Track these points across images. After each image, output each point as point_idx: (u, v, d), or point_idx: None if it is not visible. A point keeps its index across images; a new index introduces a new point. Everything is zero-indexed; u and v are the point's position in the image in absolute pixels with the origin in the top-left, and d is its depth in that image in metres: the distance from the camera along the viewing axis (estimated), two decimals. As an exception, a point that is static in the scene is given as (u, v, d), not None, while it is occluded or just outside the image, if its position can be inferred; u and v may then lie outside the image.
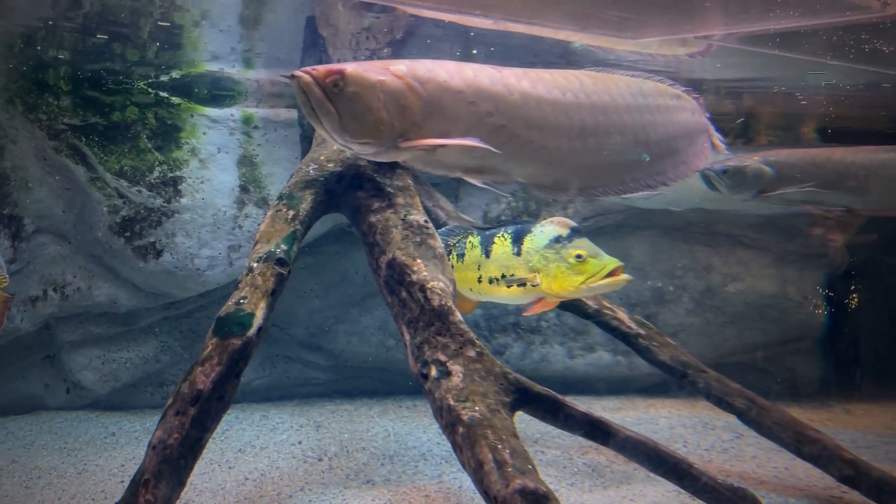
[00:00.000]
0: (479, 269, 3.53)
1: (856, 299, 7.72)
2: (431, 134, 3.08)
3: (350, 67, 3.08)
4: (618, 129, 3.34)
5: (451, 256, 3.60)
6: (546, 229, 3.40)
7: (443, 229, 3.75)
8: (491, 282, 3.51)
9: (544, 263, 3.34)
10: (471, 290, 3.60)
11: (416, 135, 3.09)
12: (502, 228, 3.55)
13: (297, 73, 3.05)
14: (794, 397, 7.05)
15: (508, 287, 3.47)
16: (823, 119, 7.17)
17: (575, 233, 3.38)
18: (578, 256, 3.28)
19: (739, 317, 7.06)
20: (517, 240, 3.44)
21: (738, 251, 7.15)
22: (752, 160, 5.14)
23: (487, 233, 3.56)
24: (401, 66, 3.12)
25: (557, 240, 3.35)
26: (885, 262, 7.73)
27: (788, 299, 7.12)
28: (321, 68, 3.06)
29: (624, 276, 3.33)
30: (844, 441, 4.76)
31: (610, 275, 3.30)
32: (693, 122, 3.60)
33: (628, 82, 3.45)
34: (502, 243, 3.49)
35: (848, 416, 6.85)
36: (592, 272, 3.29)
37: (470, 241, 3.58)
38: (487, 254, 3.52)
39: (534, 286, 3.38)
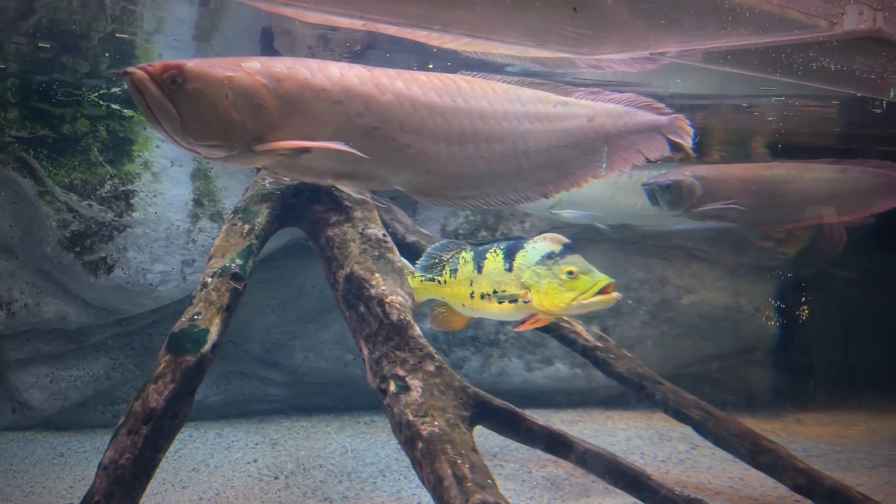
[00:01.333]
0: (471, 284, 3.50)
1: (807, 311, 7.88)
2: (293, 137, 2.89)
3: (192, 63, 2.85)
4: (497, 136, 3.22)
5: (444, 272, 3.57)
6: (538, 245, 3.36)
7: (437, 244, 3.71)
8: (483, 297, 3.47)
9: (536, 280, 3.31)
10: (463, 305, 3.57)
11: (274, 137, 2.88)
12: (495, 244, 3.51)
13: (131, 69, 2.78)
14: (748, 407, 7.16)
15: (500, 303, 3.43)
16: (774, 134, 7.34)
17: (567, 249, 3.33)
18: (570, 273, 3.25)
19: (694, 329, 7.16)
20: (509, 256, 3.40)
21: (692, 264, 7.26)
22: (685, 175, 5.08)
23: (480, 248, 3.52)
24: (254, 63, 2.92)
25: (549, 256, 3.31)
26: (836, 274, 7.91)
27: (741, 311, 7.24)
28: (158, 63, 2.80)
29: (615, 294, 3.30)
30: (797, 450, 4.85)
31: (602, 292, 3.27)
32: (583, 131, 3.41)
33: (506, 88, 3.32)
34: (494, 259, 3.45)
35: (799, 425, 6.98)
36: (583, 289, 3.25)
37: (463, 257, 3.55)
38: (479, 269, 3.48)
39: (525, 302, 3.35)
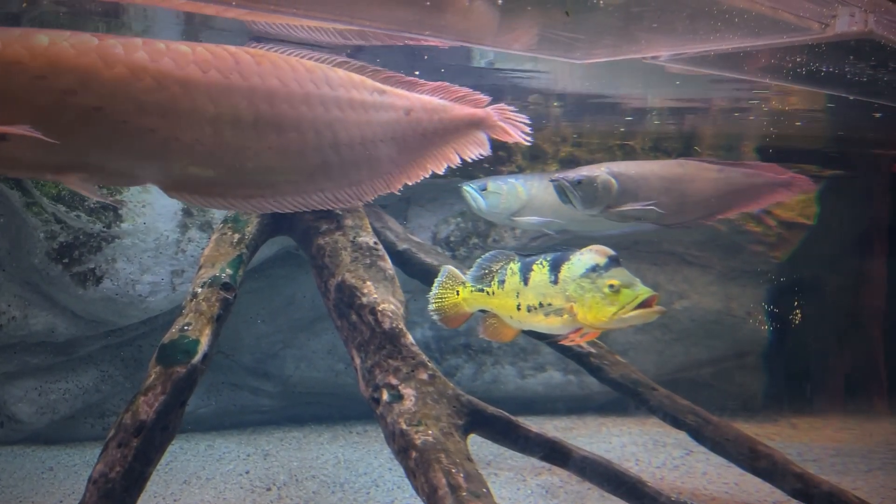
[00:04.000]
0: (517, 296, 3.44)
1: (800, 315, 7.89)
2: None
3: None
4: (292, 123, 2.70)
5: (492, 282, 3.51)
6: (584, 257, 3.27)
7: (487, 255, 3.62)
8: (529, 310, 3.40)
9: (580, 293, 3.23)
10: (511, 317, 3.51)
11: None
12: (542, 255, 3.44)
13: None
14: (743, 412, 7.16)
15: (546, 316, 3.37)
16: (764, 139, 7.36)
17: (613, 262, 3.23)
18: (612, 286, 3.17)
19: (686, 334, 7.15)
20: (555, 268, 3.32)
21: (684, 269, 7.26)
22: (601, 171, 4.68)
23: (527, 259, 3.45)
24: None
25: (594, 268, 3.22)
26: (828, 279, 7.93)
27: (733, 315, 7.24)
28: None
29: (658, 308, 3.18)
30: (792, 454, 4.83)
31: (645, 305, 3.15)
32: (401, 126, 2.98)
33: (311, 67, 2.81)
34: (540, 271, 3.37)
35: (794, 429, 6.98)
36: (625, 302, 3.15)
37: (510, 268, 3.48)
38: (526, 281, 3.41)
39: (570, 316, 3.28)
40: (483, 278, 3.54)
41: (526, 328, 3.58)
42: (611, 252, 3.27)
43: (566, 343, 3.54)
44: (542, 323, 3.38)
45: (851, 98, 5.14)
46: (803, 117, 6.45)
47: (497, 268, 3.51)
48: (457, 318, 3.64)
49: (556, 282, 3.29)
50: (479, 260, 3.60)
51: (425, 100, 3.06)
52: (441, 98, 3.10)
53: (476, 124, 3.15)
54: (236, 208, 2.86)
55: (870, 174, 8.07)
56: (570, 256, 3.29)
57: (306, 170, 2.81)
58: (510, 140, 3.18)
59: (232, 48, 2.70)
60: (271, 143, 2.69)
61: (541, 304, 3.32)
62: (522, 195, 4.96)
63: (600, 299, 3.16)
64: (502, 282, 3.45)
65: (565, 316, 3.26)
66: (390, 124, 2.95)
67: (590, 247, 3.31)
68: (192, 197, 2.72)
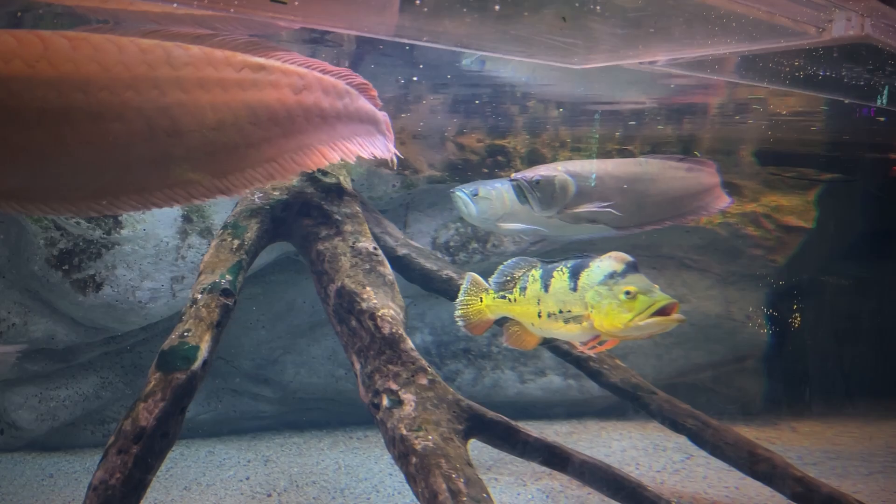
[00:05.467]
0: (538, 303, 3.40)
1: (799, 318, 7.89)
2: None
3: None
4: (115, 112, 2.33)
5: (514, 289, 3.49)
6: (603, 264, 3.21)
7: (509, 261, 3.59)
8: (549, 317, 3.37)
9: (597, 300, 3.19)
10: (532, 324, 3.48)
11: None
12: (562, 262, 3.41)
13: None
14: (743, 416, 7.16)
15: (566, 323, 3.33)
16: (762, 143, 7.37)
17: (631, 268, 3.18)
18: (628, 293, 3.12)
19: (686, 338, 7.15)
20: (574, 274, 3.27)
21: (683, 273, 7.26)
22: (558, 170, 4.52)
23: (549, 266, 3.42)
24: None
25: (612, 275, 3.17)
26: (828, 282, 7.93)
27: (732, 319, 7.24)
28: None
29: (676, 316, 3.08)
30: (792, 458, 4.83)
31: (664, 313, 3.07)
32: (285, 106, 2.61)
33: (147, 47, 2.44)
34: (560, 278, 3.34)
35: (794, 433, 6.97)
36: (640, 309, 3.07)
37: (532, 275, 3.45)
38: (546, 288, 3.38)
39: (589, 324, 3.23)
40: (505, 285, 3.52)
41: (547, 335, 3.54)
42: (629, 258, 3.21)
43: (586, 351, 3.51)
44: (561, 330, 3.34)
45: (846, 102, 5.16)
46: (801, 120, 6.47)
47: (519, 274, 3.48)
48: (480, 325, 3.62)
49: (575, 289, 3.25)
50: (501, 266, 3.58)
51: (327, 81, 2.72)
52: (346, 84, 2.77)
53: (376, 123, 2.91)
54: (62, 213, 2.56)
55: (868, 178, 8.09)
56: (590, 263, 3.24)
57: (143, 166, 2.44)
58: (380, 155, 2.90)
59: (47, 33, 2.37)
60: (88, 138, 2.34)
61: (560, 312, 3.28)
62: (507, 201, 4.91)
63: (616, 306, 3.11)
64: (524, 289, 3.42)
65: (584, 323, 3.22)
66: (268, 105, 2.57)
67: (609, 253, 3.25)
68: (8, 204, 2.39)
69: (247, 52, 2.61)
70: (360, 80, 2.85)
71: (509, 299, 3.49)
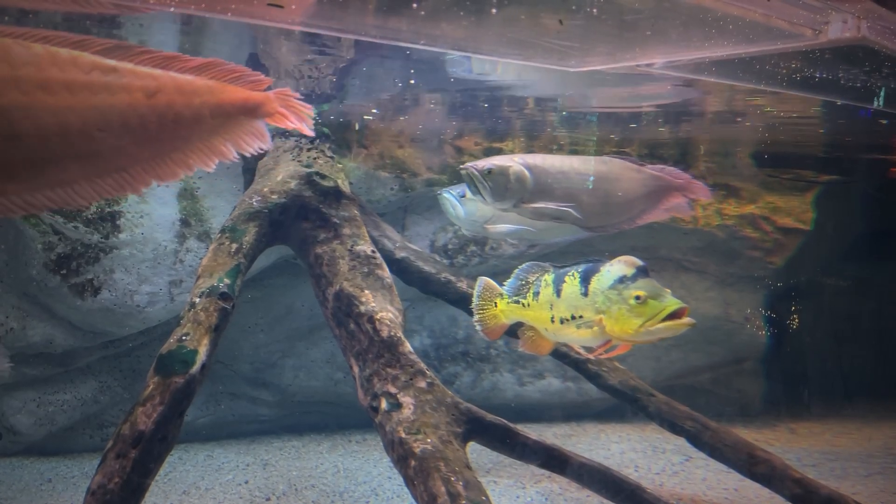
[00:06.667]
0: (551, 308, 3.39)
1: (798, 320, 7.90)
2: None
3: None
4: None
5: (527, 294, 3.49)
6: (613, 269, 3.20)
7: (523, 266, 3.58)
8: (562, 322, 3.36)
9: (608, 305, 3.19)
10: (546, 329, 3.47)
11: None
12: (574, 267, 3.40)
13: None
14: (742, 418, 7.16)
15: (578, 328, 3.32)
16: (759, 144, 7.37)
17: (641, 272, 3.17)
18: (638, 298, 3.11)
19: (685, 340, 7.15)
20: (585, 279, 3.27)
21: (682, 275, 7.27)
22: (513, 161, 4.27)
23: (561, 271, 3.41)
24: None
25: (622, 280, 3.17)
26: (826, 283, 7.94)
27: (731, 321, 7.24)
28: None
29: (686, 320, 3.09)
30: (791, 460, 4.83)
31: (673, 317, 3.08)
32: (136, 111, 2.43)
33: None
34: (572, 282, 3.33)
35: (793, 434, 6.97)
36: (651, 314, 3.08)
37: (544, 280, 3.45)
38: (558, 293, 3.37)
39: (600, 328, 3.22)
40: (520, 290, 3.51)
41: (561, 340, 3.53)
42: (639, 263, 3.19)
43: (598, 357, 3.50)
44: (574, 335, 3.33)
45: (839, 103, 5.16)
46: (798, 122, 6.48)
47: (532, 279, 3.47)
48: (496, 330, 3.62)
49: (586, 293, 3.24)
50: (516, 271, 3.57)
51: (182, 80, 2.53)
52: (211, 78, 2.60)
53: (252, 110, 2.66)
54: None
55: (866, 179, 8.10)
56: (601, 268, 3.24)
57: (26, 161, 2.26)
58: (290, 128, 2.70)
59: None
60: None
61: (573, 317, 3.28)
62: None
63: (627, 311, 3.11)
64: (537, 294, 3.42)
65: (595, 328, 3.21)
66: (118, 110, 2.39)
67: (619, 258, 3.24)
68: None
69: (102, 53, 2.43)
70: (235, 71, 2.64)
71: (523, 304, 3.49)
